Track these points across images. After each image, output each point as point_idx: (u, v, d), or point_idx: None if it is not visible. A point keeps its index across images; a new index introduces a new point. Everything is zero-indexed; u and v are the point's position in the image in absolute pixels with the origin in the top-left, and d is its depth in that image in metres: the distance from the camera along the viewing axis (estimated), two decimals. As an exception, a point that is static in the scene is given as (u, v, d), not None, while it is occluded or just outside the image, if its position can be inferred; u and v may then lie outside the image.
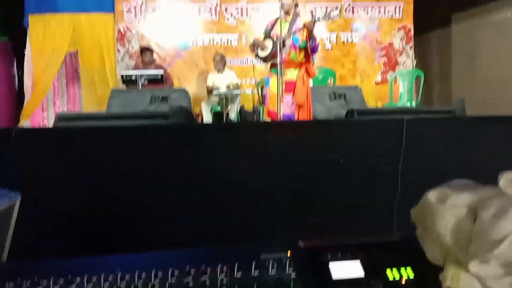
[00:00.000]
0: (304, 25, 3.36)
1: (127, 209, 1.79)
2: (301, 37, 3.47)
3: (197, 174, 1.92)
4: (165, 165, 1.96)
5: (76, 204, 1.78)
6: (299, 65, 3.56)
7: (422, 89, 5.68)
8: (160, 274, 0.74)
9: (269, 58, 3.56)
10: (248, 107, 5.64)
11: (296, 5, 3.56)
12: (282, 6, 3.47)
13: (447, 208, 0.73)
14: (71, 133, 2.07)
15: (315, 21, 3.31)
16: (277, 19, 3.65)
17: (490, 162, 2.10)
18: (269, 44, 3.52)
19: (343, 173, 2.09)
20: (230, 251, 0.77)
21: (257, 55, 3.64)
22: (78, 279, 0.72)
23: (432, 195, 0.77)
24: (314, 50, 3.49)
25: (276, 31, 3.57)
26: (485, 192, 0.75)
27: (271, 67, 3.66)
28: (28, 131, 2.37)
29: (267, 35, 3.63)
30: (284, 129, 2.23)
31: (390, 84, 5.80)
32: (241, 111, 5.62)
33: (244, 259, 0.75)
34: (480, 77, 6.01)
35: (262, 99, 3.88)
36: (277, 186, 1.93)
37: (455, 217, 0.71)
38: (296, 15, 3.54)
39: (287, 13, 3.51)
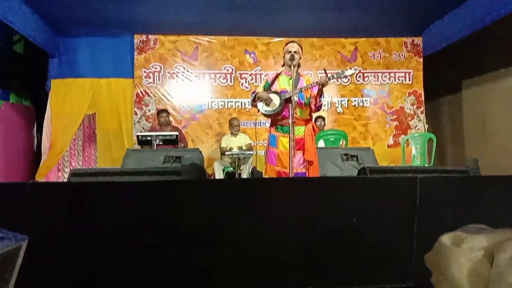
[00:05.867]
0: (317, 82, 3.35)
1: (135, 261, 1.76)
2: (306, 94, 3.47)
3: (207, 229, 1.89)
4: (176, 219, 1.95)
5: (84, 256, 1.76)
6: (305, 122, 3.53)
7: (435, 152, 5.66)
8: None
9: (273, 113, 3.46)
10: (261, 168, 5.65)
11: (299, 65, 3.56)
12: (291, 59, 3.41)
13: (462, 252, 0.70)
14: (84, 187, 2.08)
15: (329, 78, 3.31)
16: (278, 74, 3.62)
17: (506, 222, 2.04)
18: (275, 98, 3.46)
19: (357, 232, 2.04)
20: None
21: (260, 109, 3.51)
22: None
23: (446, 239, 0.75)
24: (319, 108, 3.49)
25: (280, 86, 3.52)
26: (502, 235, 0.73)
27: (275, 125, 3.56)
28: (42, 185, 2.39)
29: (267, 89, 3.56)
30: (296, 186, 2.21)
31: (403, 147, 5.80)
32: (253, 172, 5.63)
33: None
34: (492, 142, 5.99)
35: (265, 159, 3.71)
36: (289, 242, 1.89)
37: (471, 261, 0.68)
38: (298, 74, 3.54)
39: (289, 67, 3.44)
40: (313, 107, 3.46)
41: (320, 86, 3.32)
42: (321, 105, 3.49)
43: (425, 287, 0.74)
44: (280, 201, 2.05)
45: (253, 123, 6.48)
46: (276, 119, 3.52)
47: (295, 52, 3.45)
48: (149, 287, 1.67)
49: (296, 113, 3.42)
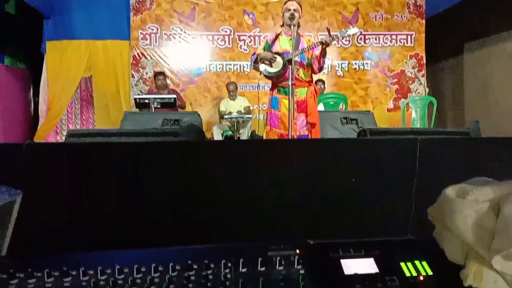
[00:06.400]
0: (321, 42, 3.27)
1: (132, 221, 1.76)
2: (307, 55, 3.40)
3: (206, 189, 1.88)
4: (174, 181, 1.94)
5: (81, 216, 1.76)
6: (308, 84, 3.47)
7: (435, 116, 5.62)
8: (160, 268, 0.70)
9: (276, 75, 3.40)
10: (260, 131, 5.63)
11: (299, 25, 3.48)
12: (290, 18, 3.29)
13: (467, 203, 0.68)
14: (81, 148, 2.06)
15: (332, 38, 3.22)
16: (278, 34, 3.53)
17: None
18: (278, 59, 3.37)
19: (356, 191, 2.04)
20: (235, 248, 0.73)
21: (262, 71, 3.44)
22: (74, 272, 0.69)
23: (451, 191, 0.73)
24: (321, 69, 3.43)
25: (281, 46, 3.44)
26: (509, 187, 0.70)
27: (276, 87, 3.50)
28: (39, 146, 2.37)
29: (268, 50, 3.48)
30: (296, 148, 2.19)
31: (403, 110, 5.76)
32: (253, 135, 5.61)
33: (250, 256, 0.71)
34: (494, 107, 5.94)
35: (266, 122, 3.67)
36: (290, 201, 1.89)
37: (476, 212, 0.66)
38: (298, 34, 3.45)
39: (289, 26, 3.33)
40: (315, 68, 3.40)
41: (324, 46, 3.24)
42: (323, 66, 3.43)
43: (426, 240, 0.72)
44: (281, 162, 2.03)
45: (252, 86, 6.40)
46: (278, 81, 3.46)
47: (294, 10, 3.36)
48: (147, 245, 1.68)
49: (298, 74, 3.37)
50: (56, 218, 1.74)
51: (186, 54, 6.50)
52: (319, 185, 2.02)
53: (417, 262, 0.70)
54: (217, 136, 5.67)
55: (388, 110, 6.67)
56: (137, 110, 5.17)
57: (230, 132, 5.72)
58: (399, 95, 6.68)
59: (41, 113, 6.40)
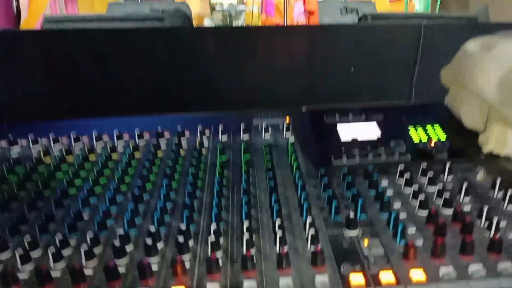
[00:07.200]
0: None
1: (114, 102, 1.66)
2: None
3: (189, 71, 1.76)
4: (157, 67, 1.81)
5: (60, 103, 1.66)
6: None
7: (439, 9, 5.30)
8: (125, 136, 0.60)
9: None
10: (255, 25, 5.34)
11: None
12: None
13: (492, 57, 0.56)
14: (58, 34, 1.90)
15: None
16: None
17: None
18: None
19: (354, 79, 1.94)
20: (215, 116, 0.63)
21: None
22: (44, 140, 0.59)
23: (472, 45, 0.60)
24: None
25: None
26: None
27: None
28: (13, 33, 2.19)
29: None
30: (290, 34, 2.03)
31: (406, 1, 5.41)
32: (246, 29, 5.33)
33: (231, 124, 0.61)
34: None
35: (261, 10, 3.45)
36: (287, 80, 1.79)
37: (503, 68, 0.55)
38: None
39: None
40: None
41: None
42: None
43: (436, 105, 0.62)
44: (275, 48, 1.89)
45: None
46: None
47: None
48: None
49: None
50: (34, 93, 1.65)
51: None
52: (316, 71, 1.91)
53: (428, 127, 0.60)
54: (209, 30, 5.40)
55: (390, 1, 6.28)
56: (122, 1, 4.82)
57: (223, 26, 5.43)
58: (402, -15, 6.23)
59: (23, 6, 5.99)
